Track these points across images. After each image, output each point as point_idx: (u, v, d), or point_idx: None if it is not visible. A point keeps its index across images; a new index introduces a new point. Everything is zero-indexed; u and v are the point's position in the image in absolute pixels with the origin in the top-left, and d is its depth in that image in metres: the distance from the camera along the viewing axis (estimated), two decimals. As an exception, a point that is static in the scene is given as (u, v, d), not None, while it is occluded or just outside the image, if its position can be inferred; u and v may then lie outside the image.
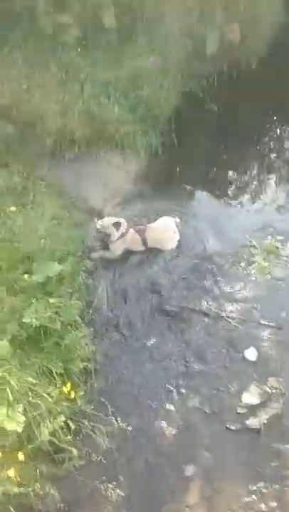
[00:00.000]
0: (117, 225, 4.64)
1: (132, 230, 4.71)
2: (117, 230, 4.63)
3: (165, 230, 4.80)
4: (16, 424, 3.02)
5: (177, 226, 4.85)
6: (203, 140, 6.18)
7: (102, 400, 3.68)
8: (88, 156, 5.48)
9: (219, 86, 6.63)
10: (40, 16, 5.85)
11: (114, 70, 6.07)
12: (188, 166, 5.82)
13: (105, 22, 6.16)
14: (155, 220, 4.92)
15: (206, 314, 4.26)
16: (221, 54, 6.60)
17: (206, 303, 4.34)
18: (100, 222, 4.69)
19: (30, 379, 3.32)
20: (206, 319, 4.23)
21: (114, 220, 4.69)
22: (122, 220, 4.71)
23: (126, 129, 5.62)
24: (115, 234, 4.61)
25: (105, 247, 4.74)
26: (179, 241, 4.81)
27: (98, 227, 4.68)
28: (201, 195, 5.50)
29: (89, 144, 5.47)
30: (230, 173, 5.81)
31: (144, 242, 4.72)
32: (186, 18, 6.47)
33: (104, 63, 6.12)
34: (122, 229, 4.65)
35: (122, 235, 4.64)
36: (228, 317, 4.21)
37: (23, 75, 5.68)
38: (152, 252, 4.77)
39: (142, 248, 4.76)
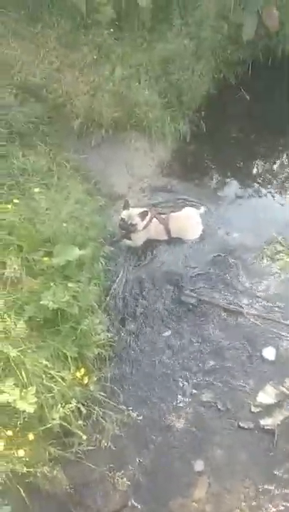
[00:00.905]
0: (143, 215, 4.55)
1: (155, 220, 4.63)
2: (143, 220, 4.54)
3: (188, 220, 4.72)
4: (28, 405, 3.03)
5: (201, 217, 4.74)
6: (233, 129, 6.00)
7: (115, 387, 3.67)
8: (115, 140, 5.38)
9: (253, 74, 6.37)
10: (75, -6, 5.70)
11: (146, 53, 5.90)
12: (216, 156, 5.66)
13: (140, 2, 5.96)
14: (179, 209, 4.82)
15: (225, 309, 4.17)
16: (257, 40, 6.33)
17: (225, 297, 4.26)
18: (125, 212, 4.60)
19: (45, 361, 3.33)
20: (225, 314, 4.15)
21: (140, 210, 4.60)
22: (147, 211, 4.63)
23: (155, 114, 5.47)
24: (141, 224, 4.53)
25: (127, 235, 4.66)
26: (202, 232, 4.71)
27: (123, 217, 4.59)
28: (228, 187, 5.35)
29: (116, 127, 5.36)
30: (260, 164, 5.62)
31: (168, 231, 4.65)
32: (223, 2, 6.22)
33: (136, 45, 5.95)
34: (147, 219, 4.56)
35: (146, 225, 4.56)
36: (247, 314, 4.11)
37: (54, 54, 5.58)
38: (174, 242, 4.70)
39: (165, 237, 4.69)
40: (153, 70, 5.75)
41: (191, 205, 4.88)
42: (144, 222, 4.57)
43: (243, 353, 3.89)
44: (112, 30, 5.90)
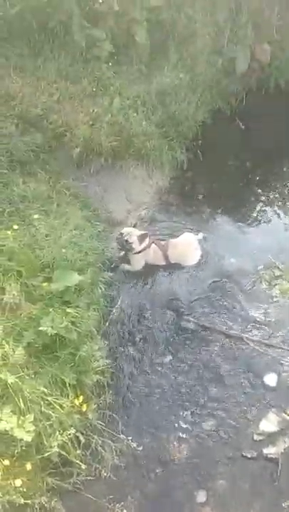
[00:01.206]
0: (142, 237, 4.61)
1: (154, 245, 4.68)
2: (141, 243, 4.59)
3: (187, 246, 4.77)
4: (25, 433, 2.96)
5: (200, 243, 4.80)
6: (229, 157, 6.15)
7: (114, 415, 3.60)
8: (114, 168, 5.49)
9: (247, 105, 6.61)
10: (75, 30, 5.95)
11: (143, 85, 6.12)
12: (213, 183, 5.79)
13: (137, 38, 6.23)
14: (177, 235, 4.88)
15: (225, 335, 4.15)
16: (250, 73, 6.60)
17: (225, 323, 4.25)
18: (126, 228, 4.66)
19: (43, 388, 3.28)
20: (226, 340, 4.13)
21: (140, 232, 4.65)
22: (147, 234, 4.68)
23: (152, 143, 5.62)
24: (138, 246, 4.58)
25: (126, 259, 4.70)
26: (200, 257, 4.75)
27: (123, 232, 4.64)
28: (225, 213, 5.43)
29: (115, 156, 5.48)
30: (255, 191, 5.72)
31: (166, 257, 4.68)
32: (217, 37, 6.52)
33: (134, 78, 6.19)
34: (146, 243, 4.61)
35: (144, 249, 4.61)
36: (248, 339, 4.09)
37: (54, 86, 5.77)
38: (173, 268, 4.72)
39: (164, 263, 4.71)
40: (150, 101, 5.95)
41: (189, 231, 4.93)
42: (142, 245, 4.60)
43: (244, 379, 3.85)
44: (110, 63, 6.16)
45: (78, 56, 6.09)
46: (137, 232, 4.65)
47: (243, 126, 6.53)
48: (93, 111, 5.60)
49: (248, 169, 6.00)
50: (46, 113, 5.51)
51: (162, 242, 4.74)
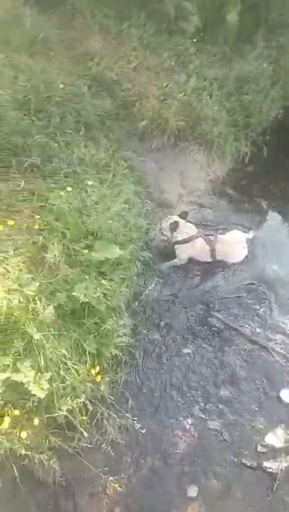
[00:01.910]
0: (174, 226, 4.48)
1: (201, 239, 4.53)
2: (172, 231, 4.48)
3: (235, 244, 4.61)
4: (40, 390, 3.06)
5: (248, 242, 4.65)
6: (294, 160, 5.87)
7: (126, 393, 3.65)
8: (175, 148, 5.38)
9: None
10: (167, -2, 5.75)
11: (223, 68, 5.89)
12: (272, 183, 5.58)
13: (228, 18, 5.95)
14: (224, 230, 4.76)
15: (250, 340, 4.08)
16: None
17: (253, 328, 4.16)
18: (170, 216, 4.59)
19: (64, 351, 3.36)
20: (249, 345, 4.06)
21: (173, 219, 4.53)
22: (179, 220, 4.51)
23: (219, 131, 5.45)
24: (168, 234, 4.50)
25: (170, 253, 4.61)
26: (245, 257, 4.61)
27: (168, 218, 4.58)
28: (278, 216, 5.24)
29: (179, 136, 5.36)
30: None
31: (213, 253, 4.53)
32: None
33: (215, 59, 5.96)
34: (185, 231, 4.49)
35: (190, 239, 4.49)
36: (272, 350, 4.00)
37: (134, 54, 5.65)
38: (215, 264, 4.61)
39: (210, 259, 4.56)
40: (227, 86, 5.73)
41: (238, 229, 4.79)
42: (178, 232, 4.47)
43: (259, 388, 3.79)
44: (194, 40, 5.94)
45: (164, 27, 5.90)
46: (168, 220, 4.51)
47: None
48: (167, 86, 5.47)
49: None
50: (120, 79, 5.42)
51: (210, 237, 4.59)
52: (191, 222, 4.63)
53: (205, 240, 4.53)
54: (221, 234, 4.68)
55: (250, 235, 4.71)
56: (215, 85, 5.73)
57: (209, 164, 5.51)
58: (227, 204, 5.25)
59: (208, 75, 5.78)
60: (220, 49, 6.07)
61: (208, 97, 5.58)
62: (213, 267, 4.59)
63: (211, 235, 4.64)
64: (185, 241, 4.50)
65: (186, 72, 5.69)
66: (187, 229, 4.54)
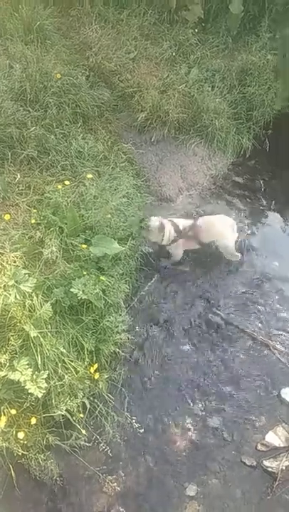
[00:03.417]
0: (160, 227, 4.28)
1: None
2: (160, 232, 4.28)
3: (223, 225, 4.38)
4: (37, 389, 3.00)
5: (240, 229, 4.49)
6: (296, 155, 5.77)
7: (124, 390, 3.60)
8: (175, 141, 5.27)
9: None
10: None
11: (226, 60, 5.76)
12: (274, 178, 5.47)
13: (231, 7, 5.80)
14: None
15: (251, 337, 4.02)
16: None
17: (255, 326, 4.10)
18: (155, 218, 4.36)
19: (62, 348, 3.29)
20: (250, 343, 4.00)
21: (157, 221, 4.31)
22: (164, 222, 4.32)
23: (221, 123, 5.33)
24: (157, 236, 4.31)
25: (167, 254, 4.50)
26: (241, 252, 4.51)
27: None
28: (279, 212, 5.15)
29: (180, 129, 5.25)
30: None
31: (199, 239, 4.35)
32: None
33: (218, 50, 5.83)
34: (170, 232, 4.29)
35: (175, 240, 4.32)
36: (274, 348, 3.95)
37: (134, 43, 5.51)
38: (213, 256, 4.52)
39: (197, 246, 4.41)
40: (229, 78, 5.60)
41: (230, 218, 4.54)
42: (162, 235, 4.29)
43: (260, 387, 3.74)
44: (196, 30, 5.80)
45: (165, 16, 5.76)
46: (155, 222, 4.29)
47: None
48: (168, 77, 5.35)
49: (314, 172, 5.62)
50: (119, 70, 5.31)
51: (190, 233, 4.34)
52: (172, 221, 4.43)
53: (184, 231, 4.32)
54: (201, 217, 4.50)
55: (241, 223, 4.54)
56: (217, 77, 5.60)
57: (210, 158, 5.39)
58: (227, 198, 5.15)
59: (210, 66, 5.65)
60: (222, 40, 5.92)
61: (210, 89, 5.45)
62: (213, 261, 4.49)
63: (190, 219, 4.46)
64: (172, 242, 4.34)
65: (188, 63, 5.57)
66: (169, 228, 4.32)
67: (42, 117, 4.53)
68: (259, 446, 3.43)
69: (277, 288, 4.37)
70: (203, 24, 5.89)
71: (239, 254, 4.49)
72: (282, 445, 3.43)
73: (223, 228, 4.40)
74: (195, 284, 4.34)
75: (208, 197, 5.14)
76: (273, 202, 5.21)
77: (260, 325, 4.13)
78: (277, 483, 3.26)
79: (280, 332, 4.06)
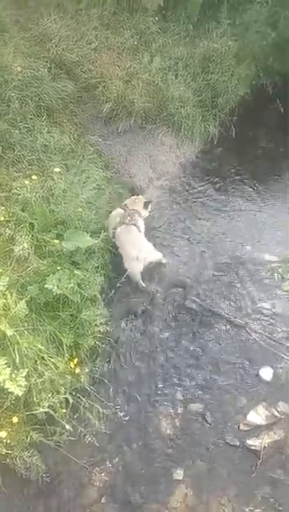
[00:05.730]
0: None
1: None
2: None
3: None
4: (17, 387, 2.96)
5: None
6: (263, 139, 5.84)
7: (106, 382, 3.60)
8: (142, 131, 5.26)
9: (292, 87, 6.23)
10: (126, -25, 5.54)
11: (188, 47, 5.75)
12: (242, 163, 5.52)
13: (191, -6, 5.80)
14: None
15: (228, 321, 4.08)
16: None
17: (230, 309, 4.16)
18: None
19: (40, 345, 3.26)
20: (227, 326, 4.07)
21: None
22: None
23: (187, 111, 5.35)
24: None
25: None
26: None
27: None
28: (249, 197, 5.21)
29: (146, 118, 5.23)
30: (285, 180, 5.47)
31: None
32: (274, 9, 6.05)
33: (179, 38, 5.80)
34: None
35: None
36: (250, 329, 4.03)
37: (94, 33, 5.43)
38: (186, 245, 4.57)
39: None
40: (192, 65, 5.61)
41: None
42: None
43: (239, 368, 3.81)
44: (157, 18, 5.76)
45: (125, 4, 5.69)
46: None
47: (282, 109, 6.18)
48: (131, 66, 5.31)
49: (281, 155, 5.71)
50: (81, 61, 5.23)
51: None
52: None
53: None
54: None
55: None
56: (180, 65, 5.60)
57: (178, 146, 5.41)
58: (197, 186, 5.18)
59: (173, 54, 5.63)
60: (183, 27, 5.90)
61: (174, 77, 5.46)
62: (185, 250, 4.54)
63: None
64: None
65: (150, 51, 5.53)
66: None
67: (4, 112, 4.43)
68: (241, 426, 3.51)
69: (250, 271, 4.45)
70: (163, 12, 5.85)
71: None
72: (263, 423, 3.52)
73: None
74: (169, 271, 4.36)
75: (178, 185, 5.16)
76: (242, 187, 5.28)
77: (235, 308, 4.19)
78: (260, 460, 3.35)
79: (255, 314, 4.14)
